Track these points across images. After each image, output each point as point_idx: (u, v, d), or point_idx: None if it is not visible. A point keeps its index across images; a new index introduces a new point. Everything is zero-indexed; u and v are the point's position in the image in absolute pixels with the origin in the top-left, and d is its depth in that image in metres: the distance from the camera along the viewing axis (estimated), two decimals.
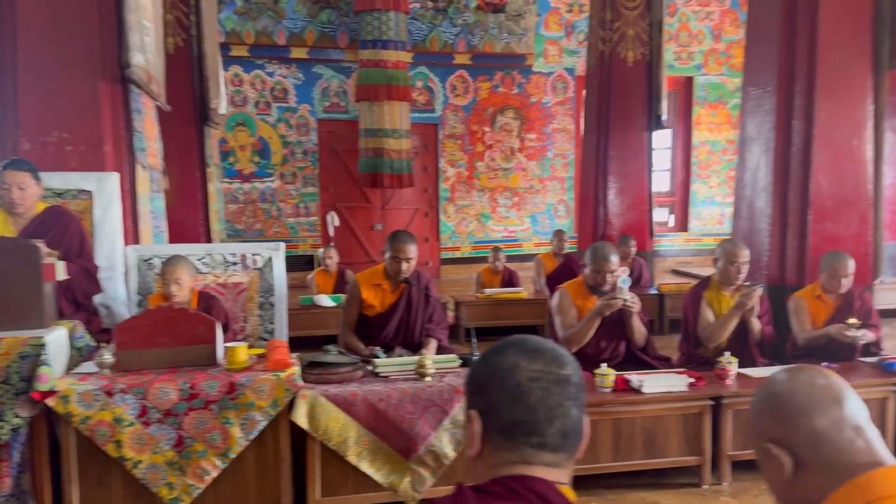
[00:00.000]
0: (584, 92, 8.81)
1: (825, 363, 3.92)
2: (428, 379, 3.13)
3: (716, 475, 3.47)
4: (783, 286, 4.67)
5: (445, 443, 3.04)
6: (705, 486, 3.43)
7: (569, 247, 9.18)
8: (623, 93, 7.62)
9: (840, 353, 4.04)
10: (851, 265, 4.02)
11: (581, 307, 3.94)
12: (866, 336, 3.89)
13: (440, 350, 3.69)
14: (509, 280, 6.99)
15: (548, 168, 10.94)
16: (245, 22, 9.49)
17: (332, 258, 6.49)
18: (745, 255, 3.95)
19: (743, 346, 3.98)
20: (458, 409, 3.06)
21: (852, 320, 3.88)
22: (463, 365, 3.33)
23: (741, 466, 3.52)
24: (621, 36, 7.51)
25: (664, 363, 4.00)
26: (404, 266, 3.59)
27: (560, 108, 10.80)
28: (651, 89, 7.67)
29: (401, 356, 3.43)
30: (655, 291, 7.02)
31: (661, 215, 11.46)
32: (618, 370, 3.71)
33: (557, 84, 10.76)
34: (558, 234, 7.41)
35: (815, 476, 1.08)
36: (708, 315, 4.02)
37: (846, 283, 4.02)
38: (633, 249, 7.23)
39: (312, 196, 9.93)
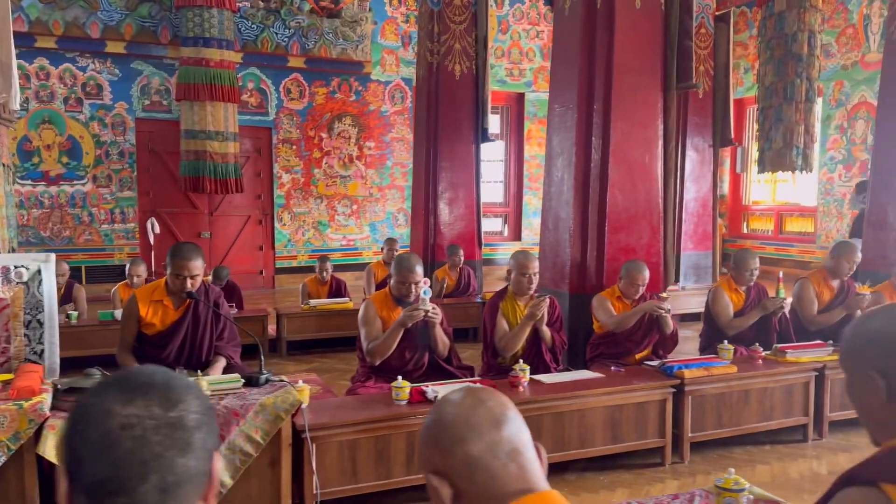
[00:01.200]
0: None
1: (614, 367, 4.17)
2: None
3: None
4: (584, 294, 4.90)
5: (221, 470, 2.85)
6: None
7: None
8: (451, 105, 7.76)
9: (633, 349, 4.35)
10: (647, 274, 4.41)
11: (386, 318, 3.89)
12: (669, 321, 4.30)
13: (230, 369, 3.48)
14: (337, 290, 6.85)
15: (387, 177, 10.93)
16: (52, 11, 8.66)
17: (140, 275, 5.91)
18: (534, 266, 4.11)
19: (538, 353, 4.12)
20: (237, 433, 2.89)
21: (664, 294, 4.27)
22: (247, 384, 3.15)
23: None
24: (448, 49, 7.64)
25: (468, 373, 4.04)
26: (188, 283, 3.35)
27: (398, 117, 10.84)
28: (478, 103, 7.87)
29: None
30: (480, 300, 7.17)
31: (495, 225, 11.84)
32: (422, 381, 3.70)
33: (395, 93, 10.80)
34: (389, 242, 7.39)
35: None
36: (503, 325, 4.12)
37: (642, 290, 4.37)
38: (461, 258, 7.36)
39: (130, 201, 9.23)
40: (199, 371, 3.18)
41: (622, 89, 4.91)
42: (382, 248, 7.42)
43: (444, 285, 7.12)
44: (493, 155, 11.95)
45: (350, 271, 9.60)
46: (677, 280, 8.93)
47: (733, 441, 4.15)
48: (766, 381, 4.10)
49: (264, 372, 3.20)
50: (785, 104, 7.81)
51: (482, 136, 7.92)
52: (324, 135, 10.46)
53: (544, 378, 3.81)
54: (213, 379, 3.06)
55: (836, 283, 5.01)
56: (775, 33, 7.87)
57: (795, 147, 7.78)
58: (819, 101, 11.21)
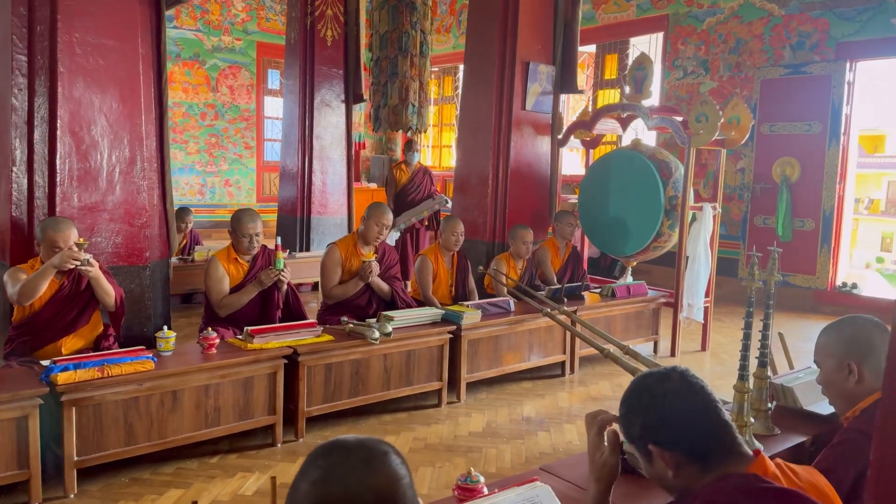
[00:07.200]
0: None
1: None
2: None
3: None
4: None
5: None
6: None
7: None
8: None
9: (58, 336, 3.35)
10: (70, 234, 3.36)
11: None
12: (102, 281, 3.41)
13: None
14: None
15: None
16: None
17: None
18: None
19: None
20: None
21: (81, 240, 3.32)
22: None
23: None
24: None
25: None
26: None
27: None
28: None
29: None
30: None
31: None
32: None
33: None
34: None
35: None
36: None
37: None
38: None
39: None
40: None
41: None
42: None
43: None
44: None
45: None
46: (308, 248, 8.11)
47: (186, 453, 3.24)
48: (207, 377, 3.20)
49: None
50: (400, 56, 7.23)
51: None
52: None
53: None
54: None
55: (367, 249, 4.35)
56: None
57: (411, 104, 7.26)
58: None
